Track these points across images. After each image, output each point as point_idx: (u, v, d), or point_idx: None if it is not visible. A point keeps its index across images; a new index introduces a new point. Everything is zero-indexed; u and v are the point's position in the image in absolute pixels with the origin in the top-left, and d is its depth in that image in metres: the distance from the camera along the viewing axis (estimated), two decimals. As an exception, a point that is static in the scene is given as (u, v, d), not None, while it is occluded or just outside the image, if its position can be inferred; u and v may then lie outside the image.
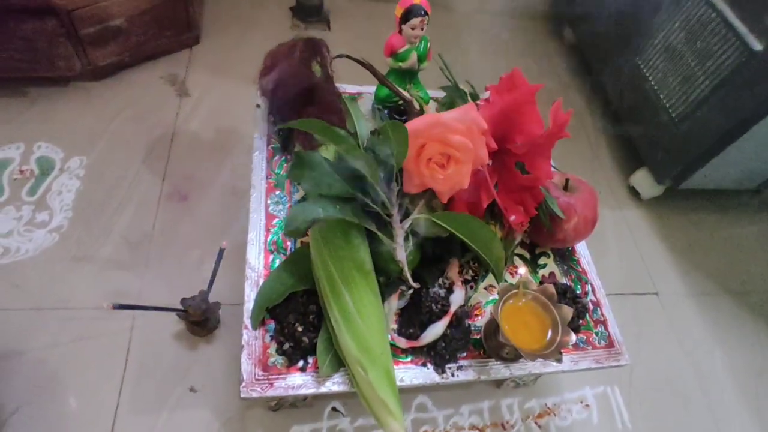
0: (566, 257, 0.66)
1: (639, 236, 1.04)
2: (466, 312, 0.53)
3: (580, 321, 0.59)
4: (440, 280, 0.52)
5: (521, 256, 0.64)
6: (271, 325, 0.49)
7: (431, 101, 0.71)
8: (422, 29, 0.61)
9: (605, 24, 1.18)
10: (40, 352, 0.67)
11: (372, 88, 0.71)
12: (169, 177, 0.88)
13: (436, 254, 0.55)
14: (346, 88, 0.74)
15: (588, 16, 1.27)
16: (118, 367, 0.67)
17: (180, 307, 0.66)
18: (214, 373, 0.69)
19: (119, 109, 0.95)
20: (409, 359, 0.51)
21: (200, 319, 0.67)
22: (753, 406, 0.85)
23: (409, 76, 0.67)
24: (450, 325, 0.51)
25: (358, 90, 0.75)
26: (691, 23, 0.93)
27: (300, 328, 0.48)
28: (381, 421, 0.44)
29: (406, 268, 0.46)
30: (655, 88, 1.02)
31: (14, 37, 0.83)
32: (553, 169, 0.61)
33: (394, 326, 0.52)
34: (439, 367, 0.51)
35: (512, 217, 0.53)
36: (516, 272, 0.62)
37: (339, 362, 0.47)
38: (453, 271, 0.54)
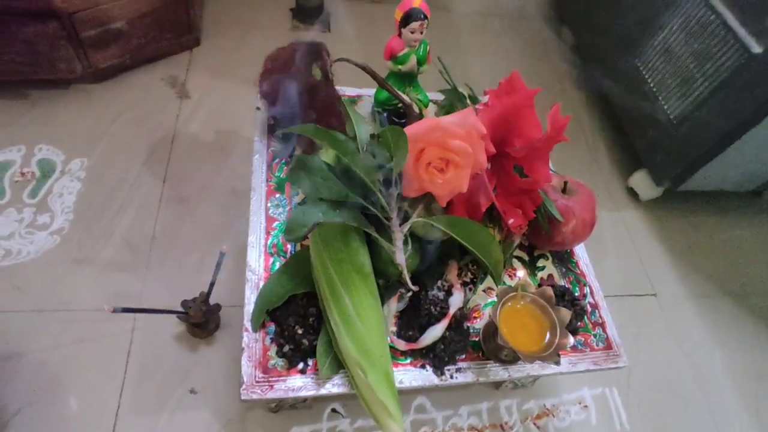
0: (565, 259, 0.66)
1: (638, 238, 1.05)
2: (464, 314, 0.53)
3: (579, 323, 0.59)
4: (439, 283, 0.53)
5: (520, 259, 0.64)
6: (272, 327, 0.50)
7: (431, 104, 0.71)
8: (422, 33, 0.61)
9: (604, 25, 1.18)
10: (42, 353, 0.67)
11: (372, 91, 0.72)
12: (169, 179, 0.88)
13: (435, 257, 0.55)
14: (346, 90, 0.75)
15: (587, 17, 1.27)
16: (119, 369, 0.67)
17: (180, 309, 0.66)
18: (215, 374, 0.69)
19: (120, 112, 0.95)
20: (408, 361, 0.51)
21: (201, 321, 0.68)
22: (752, 409, 0.86)
23: (408, 79, 0.67)
24: (449, 328, 0.51)
25: (358, 93, 0.75)
26: (691, 25, 0.94)
27: (300, 331, 0.48)
28: (380, 422, 0.45)
29: (405, 271, 0.47)
30: (654, 89, 1.02)
31: (16, 40, 0.84)
32: (551, 172, 0.61)
33: (394, 329, 0.53)
34: (438, 369, 0.51)
35: (511, 221, 0.54)
36: (515, 274, 0.62)
37: (339, 364, 0.47)
38: (452, 274, 0.54)
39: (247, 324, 0.49)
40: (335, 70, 0.65)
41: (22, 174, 0.84)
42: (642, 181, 1.08)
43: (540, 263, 0.64)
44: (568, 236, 0.60)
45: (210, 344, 0.71)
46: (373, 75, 0.61)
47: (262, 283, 0.52)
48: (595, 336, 0.60)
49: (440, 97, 0.73)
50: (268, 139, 0.65)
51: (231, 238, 0.81)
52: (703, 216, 1.13)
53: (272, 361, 0.48)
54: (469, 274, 0.59)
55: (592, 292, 0.64)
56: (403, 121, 0.68)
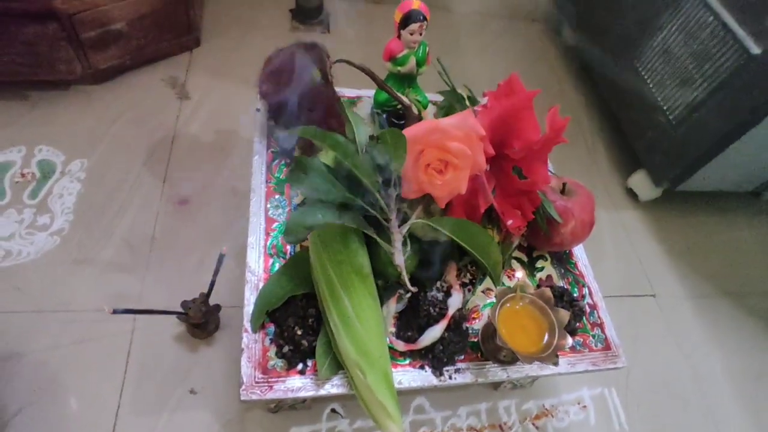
0: (563, 260, 0.66)
1: (637, 238, 1.05)
2: (463, 315, 0.53)
3: (577, 324, 0.59)
4: (438, 284, 0.53)
5: (519, 260, 0.64)
6: (271, 328, 0.50)
7: (430, 105, 0.72)
8: (421, 34, 0.61)
9: (604, 26, 1.19)
10: (42, 354, 0.67)
11: (371, 92, 0.72)
12: (169, 180, 0.88)
13: (434, 258, 0.55)
14: (346, 92, 0.75)
15: (586, 18, 1.28)
16: (119, 369, 0.68)
17: (179, 309, 0.66)
18: (214, 375, 0.69)
19: (120, 112, 0.96)
20: (407, 362, 0.51)
21: (200, 322, 0.68)
22: (751, 409, 0.86)
23: (408, 80, 0.68)
24: (448, 329, 0.51)
25: (357, 94, 0.75)
26: (690, 26, 0.94)
27: (299, 332, 0.48)
28: (379, 423, 0.45)
29: (404, 273, 0.47)
30: (653, 90, 1.02)
31: (16, 41, 0.84)
32: (550, 174, 0.61)
33: (393, 329, 0.53)
34: (437, 370, 0.51)
35: (509, 222, 0.54)
36: (513, 275, 0.62)
37: (338, 365, 0.48)
38: (451, 275, 0.55)
39: (247, 325, 0.49)
40: (335, 71, 0.65)
41: (23, 175, 0.84)
42: (641, 182, 1.08)
43: (539, 264, 0.65)
44: (567, 237, 0.60)
45: (210, 345, 0.72)
46: (372, 76, 0.61)
47: (261, 284, 0.52)
48: (593, 337, 0.60)
49: (440, 98, 0.73)
50: (268, 140, 0.65)
51: (231, 238, 0.81)
52: (702, 217, 1.13)
53: (272, 362, 0.48)
54: (468, 275, 0.59)
55: (590, 293, 0.64)
56: (403, 122, 0.68)
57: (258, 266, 0.54)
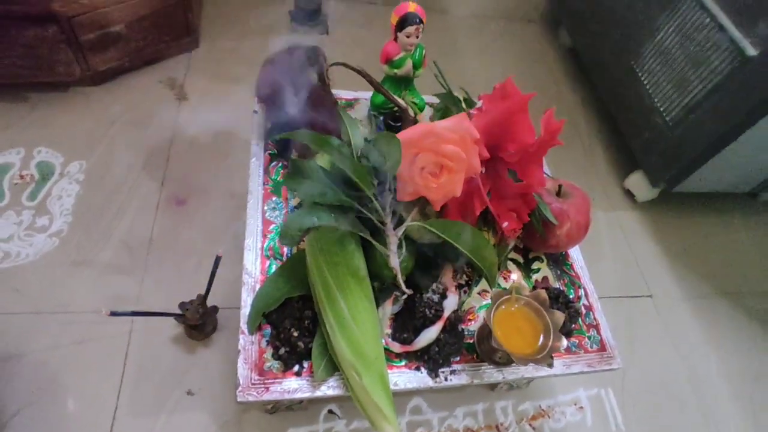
0: (559, 262, 0.66)
1: (634, 239, 1.05)
2: (459, 317, 0.53)
3: (573, 325, 0.59)
4: (434, 286, 0.53)
5: (515, 261, 0.64)
6: (268, 330, 0.50)
7: (427, 107, 0.72)
8: (417, 37, 0.61)
9: (601, 27, 1.19)
10: (40, 355, 0.68)
11: (368, 94, 0.72)
12: (168, 181, 0.89)
13: (430, 260, 0.55)
14: (343, 94, 0.75)
15: (583, 20, 1.28)
16: (117, 370, 0.68)
17: (176, 311, 0.67)
18: (212, 376, 0.69)
19: (119, 114, 0.96)
20: (403, 363, 0.52)
21: (198, 323, 0.68)
22: (748, 410, 0.86)
23: (404, 82, 0.68)
24: (443, 330, 0.52)
25: (355, 96, 0.76)
26: (686, 28, 0.94)
27: (296, 333, 0.49)
28: (375, 424, 0.45)
29: (399, 275, 0.47)
30: (650, 91, 1.02)
31: (16, 44, 0.84)
32: (545, 176, 0.61)
33: (388, 331, 0.53)
34: (433, 372, 0.51)
35: (505, 224, 0.54)
36: (509, 277, 0.63)
37: (334, 367, 0.48)
38: (447, 277, 0.55)
39: (244, 327, 0.49)
40: (332, 73, 0.66)
41: (21, 176, 0.84)
42: (638, 183, 1.08)
43: (535, 266, 0.65)
44: (563, 239, 0.60)
45: (207, 346, 0.72)
46: (369, 79, 0.62)
47: (258, 286, 0.52)
48: (589, 338, 0.60)
49: (437, 100, 0.73)
50: (265, 142, 0.66)
51: (228, 240, 0.81)
52: (699, 217, 1.13)
53: (268, 364, 0.48)
54: (464, 276, 0.60)
55: (586, 294, 0.64)
56: (399, 124, 0.69)
57: (255, 268, 0.54)
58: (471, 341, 0.55)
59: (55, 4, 0.82)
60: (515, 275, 0.63)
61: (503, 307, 0.50)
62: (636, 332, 0.91)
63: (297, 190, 0.49)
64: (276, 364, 0.48)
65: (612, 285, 0.96)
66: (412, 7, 0.59)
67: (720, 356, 0.91)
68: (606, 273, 0.97)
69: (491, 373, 0.53)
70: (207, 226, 0.84)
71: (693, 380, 0.87)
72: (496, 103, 0.51)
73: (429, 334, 0.51)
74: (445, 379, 0.52)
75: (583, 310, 0.62)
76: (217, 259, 0.63)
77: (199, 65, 1.09)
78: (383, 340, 0.51)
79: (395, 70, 0.65)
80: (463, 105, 0.66)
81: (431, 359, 0.51)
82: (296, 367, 0.49)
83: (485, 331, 0.52)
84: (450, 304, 0.52)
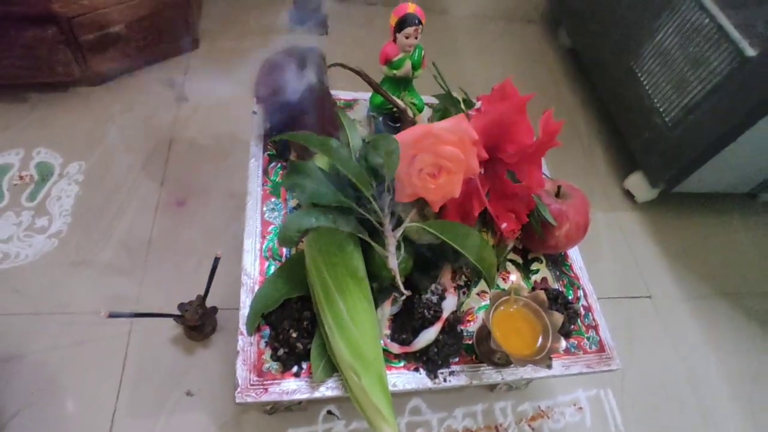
0: (559, 262, 0.66)
1: (633, 240, 1.05)
2: (458, 318, 0.53)
3: (572, 326, 0.59)
4: (433, 287, 0.53)
5: (514, 262, 0.64)
6: (266, 331, 0.50)
7: (426, 107, 0.72)
8: (416, 38, 0.61)
9: (601, 28, 1.19)
10: (40, 355, 0.68)
11: (368, 95, 0.72)
12: (167, 182, 0.89)
13: (429, 260, 0.55)
14: (342, 94, 0.75)
15: (583, 20, 1.28)
16: (117, 371, 0.68)
17: (175, 312, 0.67)
18: (211, 377, 0.69)
19: (118, 114, 0.96)
20: (401, 364, 0.52)
21: (197, 324, 0.68)
22: (747, 411, 0.86)
23: (404, 83, 0.68)
24: (442, 331, 0.52)
25: (354, 96, 0.76)
26: (685, 28, 0.94)
27: (294, 334, 0.49)
28: (374, 425, 0.45)
29: (398, 276, 0.47)
30: (649, 92, 1.02)
31: (15, 44, 0.84)
32: (544, 177, 0.61)
33: (387, 332, 0.53)
34: (432, 373, 0.51)
35: (504, 225, 0.54)
36: (508, 278, 0.63)
37: (332, 368, 0.48)
38: (446, 278, 0.55)
39: (242, 328, 0.50)
40: (331, 73, 0.66)
41: (21, 177, 0.84)
42: (637, 183, 1.08)
43: (534, 266, 0.65)
44: (562, 240, 0.60)
45: (206, 347, 0.72)
46: (368, 80, 0.62)
47: (257, 287, 0.52)
48: (588, 339, 0.60)
49: (436, 101, 0.73)
50: (265, 143, 0.66)
51: (228, 241, 0.81)
52: (699, 218, 1.13)
53: (267, 365, 0.48)
54: (463, 277, 0.60)
55: (585, 295, 0.64)
56: (398, 125, 0.69)
57: (254, 269, 0.54)
58: (470, 342, 0.55)
59: (54, 5, 0.82)
60: (514, 276, 0.63)
61: (502, 308, 0.50)
62: (635, 333, 0.91)
63: (295, 192, 0.49)
64: (275, 365, 0.48)
65: (611, 286, 0.96)
66: (411, 8, 0.59)
67: (719, 357, 0.92)
68: (605, 274, 0.97)
69: (490, 374, 0.54)
70: (206, 227, 0.84)
71: (692, 381, 0.87)
72: (495, 104, 0.51)
73: (428, 335, 0.51)
74: (444, 380, 0.52)
75: (582, 311, 0.62)
76: (216, 260, 0.63)
77: (199, 66, 1.09)
78: (382, 341, 0.51)
79: (394, 71, 0.65)
80: (462, 106, 0.66)
81: (430, 360, 0.51)
82: (295, 368, 0.49)
83: (484, 332, 0.52)
84: (449, 305, 0.52)
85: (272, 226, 0.58)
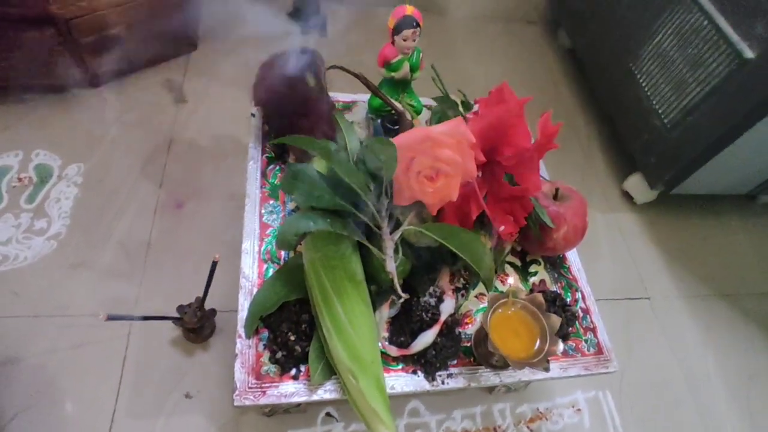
0: (557, 264, 0.66)
1: (632, 241, 1.05)
2: (456, 320, 0.54)
3: (570, 328, 0.60)
4: (431, 289, 0.53)
5: (512, 264, 0.64)
6: (265, 333, 0.50)
7: (424, 109, 0.72)
8: (414, 40, 0.62)
9: (600, 28, 1.19)
10: (39, 358, 0.68)
11: (366, 97, 0.72)
12: (166, 184, 0.89)
13: (427, 263, 0.55)
14: (341, 96, 0.75)
15: (582, 22, 1.28)
16: (116, 373, 0.68)
17: (174, 315, 0.67)
18: (210, 379, 0.69)
19: (117, 116, 0.96)
20: (399, 367, 0.52)
21: (196, 327, 0.68)
22: (745, 411, 0.86)
23: (402, 85, 0.68)
24: (440, 334, 0.52)
25: (353, 99, 0.76)
26: (684, 30, 0.94)
27: (292, 337, 0.49)
28: (372, 428, 0.45)
29: (396, 279, 0.47)
30: (648, 93, 1.02)
31: (14, 46, 0.84)
32: (542, 179, 0.61)
33: (385, 334, 0.53)
34: (430, 375, 0.52)
35: (501, 228, 0.54)
36: (506, 280, 0.63)
37: (330, 370, 0.48)
38: (444, 280, 0.55)
39: (241, 330, 0.50)
40: (330, 76, 0.66)
41: (20, 179, 0.84)
42: (636, 185, 1.08)
43: (532, 269, 0.65)
44: (560, 242, 0.60)
45: (205, 349, 0.72)
46: (366, 83, 0.62)
47: (255, 290, 0.52)
48: (586, 341, 0.60)
49: (434, 102, 0.73)
50: (263, 145, 0.66)
51: (227, 243, 0.81)
52: (697, 219, 1.13)
53: (265, 368, 0.48)
54: (461, 280, 0.60)
55: (583, 297, 0.64)
56: (397, 127, 0.69)
57: (252, 272, 0.54)
58: (468, 345, 0.55)
59: (52, 7, 0.82)
60: (512, 279, 0.63)
61: (500, 310, 0.50)
62: (634, 334, 0.91)
63: (293, 195, 0.49)
64: (273, 368, 0.49)
65: (610, 287, 0.96)
66: (409, 11, 0.60)
67: (717, 358, 0.92)
68: (604, 275, 0.97)
69: (488, 377, 0.54)
70: (205, 229, 0.84)
71: (690, 382, 0.87)
72: (492, 108, 0.51)
73: (426, 338, 0.51)
74: (442, 383, 0.52)
75: (580, 313, 0.62)
76: (214, 263, 0.63)
77: (198, 67, 1.09)
78: (380, 344, 0.51)
79: (393, 73, 0.65)
80: (461, 108, 0.66)
81: (428, 363, 0.51)
82: (293, 371, 0.49)
83: (482, 335, 0.52)
84: (447, 307, 0.52)
85: (270, 229, 0.58)
